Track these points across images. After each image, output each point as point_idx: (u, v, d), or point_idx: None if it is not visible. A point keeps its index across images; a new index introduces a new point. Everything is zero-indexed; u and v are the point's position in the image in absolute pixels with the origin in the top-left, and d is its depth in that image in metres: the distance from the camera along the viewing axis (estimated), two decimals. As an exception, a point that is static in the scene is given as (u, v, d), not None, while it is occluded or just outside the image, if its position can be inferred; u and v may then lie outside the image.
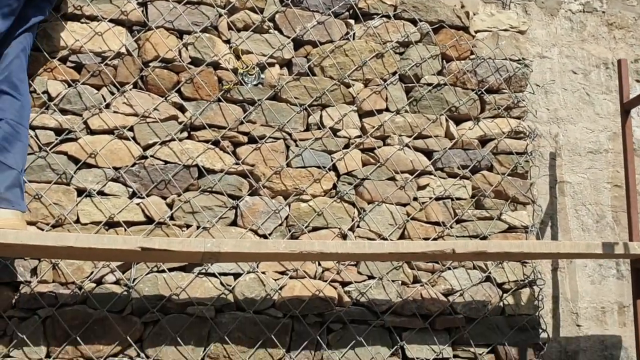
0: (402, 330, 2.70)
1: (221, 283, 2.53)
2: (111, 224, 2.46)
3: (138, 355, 2.41)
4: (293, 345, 2.57)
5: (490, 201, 2.90)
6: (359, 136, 2.80)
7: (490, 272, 2.83)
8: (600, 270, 3.18)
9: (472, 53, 3.00)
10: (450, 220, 2.83)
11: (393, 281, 2.72)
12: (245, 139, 2.67)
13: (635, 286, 2.81)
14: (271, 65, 2.74)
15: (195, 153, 2.58)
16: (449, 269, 2.80)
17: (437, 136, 2.89)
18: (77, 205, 2.43)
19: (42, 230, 2.36)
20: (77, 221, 2.43)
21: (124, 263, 2.46)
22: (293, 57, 2.77)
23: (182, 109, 2.62)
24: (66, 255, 2.25)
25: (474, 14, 3.06)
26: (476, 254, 2.44)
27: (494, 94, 2.98)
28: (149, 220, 2.50)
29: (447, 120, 2.92)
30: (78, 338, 2.34)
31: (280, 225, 2.65)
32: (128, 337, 2.39)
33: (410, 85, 2.89)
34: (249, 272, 2.57)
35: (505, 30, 3.08)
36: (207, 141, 2.61)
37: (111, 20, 2.57)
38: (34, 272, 2.38)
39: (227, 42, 2.71)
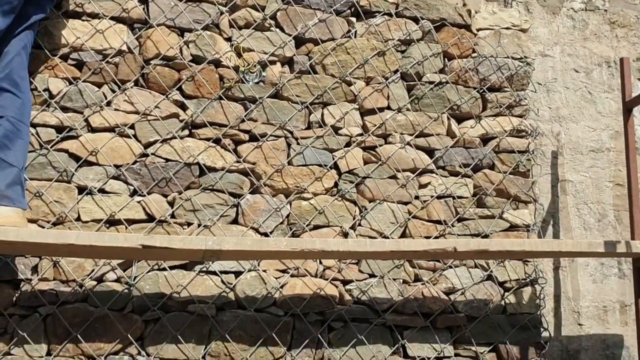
0: (403, 328, 2.70)
1: (222, 281, 2.53)
2: (112, 222, 2.46)
3: (139, 353, 2.41)
4: (294, 343, 2.57)
5: (491, 200, 2.89)
6: (361, 134, 2.80)
7: (491, 271, 2.82)
8: (602, 269, 3.17)
9: (474, 51, 2.99)
10: (451, 218, 2.82)
11: (394, 279, 2.71)
12: (246, 137, 2.66)
13: (637, 285, 2.80)
14: (272, 63, 2.73)
15: (197, 151, 2.58)
16: (451, 267, 2.79)
17: (439, 134, 2.88)
18: (78, 203, 2.43)
19: (43, 228, 2.36)
20: (78, 219, 2.43)
21: (125, 261, 2.46)
22: (294, 55, 2.76)
23: (183, 107, 2.61)
24: (67, 252, 2.25)
25: (476, 12, 3.06)
26: (478, 252, 2.43)
27: (495, 92, 2.98)
28: (150, 218, 2.50)
29: (448, 118, 2.91)
30: (79, 336, 2.34)
31: (282, 223, 2.65)
32: (129, 335, 2.39)
33: (411, 83, 2.88)
34: (250, 270, 2.56)
35: (507, 28, 3.07)
36: (208, 139, 2.60)
37: (112, 18, 2.57)
38: (34, 269, 2.37)
39: (229, 39, 2.70)
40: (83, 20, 2.55)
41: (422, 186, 2.83)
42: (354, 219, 2.72)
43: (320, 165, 2.71)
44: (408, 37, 2.90)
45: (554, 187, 3.17)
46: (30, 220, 2.35)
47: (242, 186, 2.62)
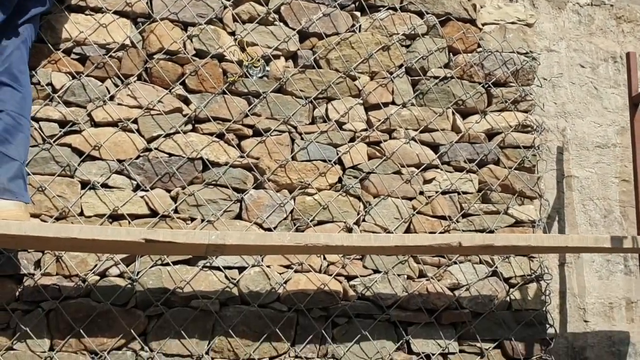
0: (407, 324, 2.68)
1: (226, 276, 2.52)
2: (115, 217, 2.45)
3: (142, 349, 2.40)
4: (298, 339, 2.55)
5: (496, 195, 2.87)
6: (365, 129, 2.78)
7: (496, 267, 2.81)
8: (608, 266, 3.15)
9: (479, 46, 2.97)
10: (456, 214, 2.81)
11: (399, 275, 2.70)
12: (250, 132, 2.65)
13: (643, 281, 2.78)
14: (276, 57, 2.72)
15: (200, 146, 2.56)
16: (455, 263, 2.78)
17: (444, 130, 2.86)
18: (81, 197, 2.42)
19: (46, 222, 2.35)
20: (81, 214, 2.42)
21: (128, 256, 2.44)
22: (298, 49, 2.75)
23: (187, 102, 2.60)
24: (69, 247, 2.24)
25: (481, 7, 3.03)
26: (483, 247, 2.41)
27: (501, 87, 2.95)
28: (153, 213, 2.49)
29: (453, 113, 2.89)
30: (82, 331, 2.33)
31: (285, 219, 2.63)
32: (132, 331, 2.38)
33: (416, 78, 2.86)
34: (253, 266, 2.55)
35: (513, 23, 3.05)
36: (211, 134, 2.59)
37: (115, 12, 2.56)
38: (37, 264, 2.36)
39: (232, 34, 2.69)
40: (86, 15, 2.53)
41: (426, 181, 2.81)
42: (358, 214, 2.71)
43: (324, 161, 2.70)
44: (413, 32, 2.88)
45: (559, 183, 3.15)
46: (33, 215, 2.34)
47: (245, 181, 2.61)
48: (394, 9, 2.87)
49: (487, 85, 2.93)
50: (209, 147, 2.57)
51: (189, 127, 2.59)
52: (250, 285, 2.53)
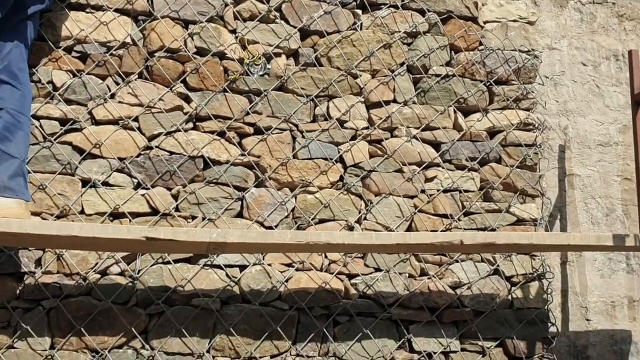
0: (409, 323, 2.67)
1: (227, 275, 2.51)
2: (116, 215, 2.45)
3: (143, 347, 2.39)
4: (299, 337, 2.55)
5: (498, 193, 2.86)
6: (366, 127, 2.77)
7: (498, 265, 2.80)
8: (610, 264, 3.14)
9: (480, 44, 2.96)
10: (458, 212, 2.80)
11: (400, 274, 2.69)
12: (251, 130, 2.64)
13: (645, 280, 2.77)
14: (277, 55, 2.71)
15: (201, 144, 2.56)
16: (457, 261, 2.77)
17: (445, 128, 2.85)
18: (81, 195, 2.42)
19: (47, 220, 2.34)
20: (82, 212, 2.41)
21: (129, 254, 2.44)
22: (300, 47, 2.74)
23: (188, 100, 2.60)
24: (70, 245, 2.23)
25: (483, 5, 3.02)
26: (485, 245, 2.41)
27: (502, 85, 2.95)
28: (154, 211, 2.48)
29: (455, 111, 2.89)
30: (82, 329, 2.33)
31: (287, 217, 2.63)
32: (133, 329, 2.38)
33: (418, 76, 2.86)
34: (254, 264, 2.55)
35: (514, 21, 3.04)
36: (212, 132, 2.59)
37: (116, 10, 2.55)
38: (38, 262, 2.36)
39: (233, 32, 2.68)
40: (87, 12, 2.53)
41: (428, 180, 2.81)
42: (359, 212, 2.70)
43: (325, 159, 2.69)
44: (414, 30, 2.87)
45: (561, 181, 3.15)
46: (34, 213, 2.33)
47: (246, 179, 2.60)
48: (396, 7, 2.86)
49: (488, 83, 2.93)
50: (210, 145, 2.57)
51: (190, 125, 2.59)
52: (252, 283, 2.53)
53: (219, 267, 2.51)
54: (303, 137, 2.69)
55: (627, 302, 3.12)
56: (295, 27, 2.73)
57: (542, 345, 2.81)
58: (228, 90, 2.62)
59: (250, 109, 2.63)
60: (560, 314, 3.01)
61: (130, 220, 2.43)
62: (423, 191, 2.79)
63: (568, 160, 3.17)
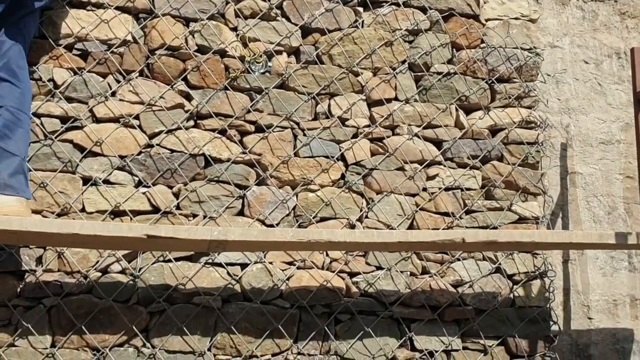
0: (410, 321, 2.67)
1: (228, 273, 2.51)
2: (117, 213, 2.44)
3: (144, 345, 2.39)
4: (300, 335, 2.54)
5: (500, 192, 2.85)
6: (368, 125, 2.76)
7: (500, 264, 2.79)
8: (612, 263, 3.13)
9: (482, 42, 2.95)
10: (459, 210, 2.79)
11: (402, 272, 2.68)
12: (252, 128, 2.64)
13: (648, 278, 2.77)
14: (279, 53, 2.71)
15: (202, 142, 2.55)
16: (458, 260, 2.76)
17: (447, 126, 2.85)
18: (82, 193, 2.41)
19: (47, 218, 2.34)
20: (83, 210, 2.41)
21: (130, 252, 2.44)
22: (301, 45, 2.73)
23: (189, 97, 2.59)
24: (71, 243, 2.23)
25: (485, 2, 3.01)
26: (486, 243, 2.40)
27: (504, 83, 2.94)
28: (155, 209, 2.48)
29: (457, 109, 2.88)
30: (83, 327, 2.32)
31: (288, 215, 2.62)
32: (134, 327, 2.37)
33: (419, 74, 2.85)
34: (256, 263, 2.54)
35: (516, 18, 3.03)
36: (213, 130, 2.58)
37: (117, 8, 2.55)
38: (39, 261, 2.36)
39: (234, 29, 2.68)
40: (88, 10, 2.52)
41: (429, 178, 2.80)
42: (360, 211, 2.70)
43: (327, 157, 2.68)
44: (416, 27, 2.86)
45: (563, 179, 3.14)
46: (35, 211, 2.33)
47: (248, 177, 2.60)
48: (397, 5, 2.85)
49: (490, 81, 2.92)
50: (211, 143, 2.56)
51: (191, 123, 2.58)
52: (253, 281, 2.52)
53: (220, 265, 2.51)
54: (304, 135, 2.68)
55: (630, 300, 3.11)
56: (296, 25, 2.73)
57: (544, 343, 2.80)
58: (229, 88, 2.62)
59: (251, 107, 2.63)
60: (562, 312, 3.01)
61: (131, 219, 2.42)
62: (425, 189, 2.78)
63: (570, 159, 3.16)
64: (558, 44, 3.27)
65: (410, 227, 2.74)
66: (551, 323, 2.83)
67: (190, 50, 2.59)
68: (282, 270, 2.57)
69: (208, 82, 2.60)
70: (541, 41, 3.15)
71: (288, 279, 2.56)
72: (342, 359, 2.57)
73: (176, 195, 2.52)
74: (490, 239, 2.37)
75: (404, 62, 2.84)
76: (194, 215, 2.51)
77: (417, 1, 2.88)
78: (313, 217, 2.62)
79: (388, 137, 2.77)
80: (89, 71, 2.49)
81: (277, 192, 2.61)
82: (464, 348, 2.71)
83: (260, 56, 2.67)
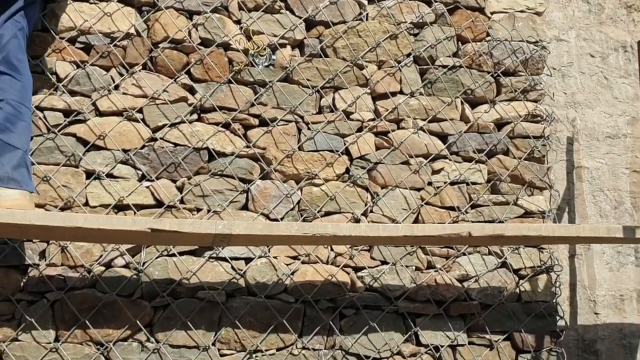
0: (415, 316, 2.65)
1: (232, 267, 2.49)
2: (120, 207, 2.43)
3: (148, 340, 2.38)
4: (305, 330, 2.53)
5: (506, 186, 2.83)
6: (373, 119, 2.74)
7: (506, 258, 2.77)
8: (619, 257, 3.11)
9: (488, 35, 2.93)
10: (465, 205, 2.77)
11: (407, 266, 2.67)
12: (256, 121, 2.62)
13: (655, 273, 2.74)
14: (282, 46, 2.69)
15: (206, 135, 2.54)
16: (464, 254, 2.74)
17: (452, 119, 2.82)
18: (86, 187, 2.40)
19: (51, 212, 2.33)
20: (86, 204, 2.40)
21: (134, 246, 2.42)
22: (305, 37, 2.71)
23: (192, 91, 2.57)
24: (74, 237, 2.22)
25: (490, -5, 2.99)
26: (493, 237, 2.38)
27: (510, 77, 2.91)
28: (159, 203, 2.46)
29: (462, 103, 2.85)
30: (87, 322, 2.31)
31: (292, 209, 2.60)
32: (138, 322, 2.36)
33: (424, 67, 2.83)
34: (260, 257, 2.52)
35: (522, 11, 3.00)
36: (217, 123, 2.56)
37: (120, 1, 2.54)
38: (42, 255, 2.35)
39: (238, 22, 2.66)
40: (91, 3, 2.51)
41: (435, 172, 2.78)
42: (365, 205, 2.68)
43: (331, 151, 2.66)
44: (421, 20, 2.84)
45: (569, 173, 3.12)
46: (38, 205, 2.31)
47: (252, 171, 2.58)
48: (402, -3, 2.83)
49: (496, 74, 2.89)
50: (214, 136, 2.55)
51: (195, 116, 2.56)
52: (257, 276, 2.51)
53: (224, 259, 2.49)
54: (309, 128, 2.66)
55: (636, 295, 3.09)
56: (300, 18, 2.71)
57: (550, 338, 2.78)
58: (233, 81, 2.60)
59: (255, 100, 2.61)
60: (569, 307, 2.99)
61: (134, 213, 2.41)
62: (430, 183, 2.76)
63: (576, 153, 3.14)
64: (564, 37, 3.24)
65: (416, 221, 2.71)
66: (557, 318, 2.81)
67: (193, 44, 2.57)
68: (287, 265, 2.56)
69: (212, 75, 2.58)
70: (547, 34, 3.12)
71: (292, 273, 2.54)
72: (347, 354, 2.56)
73: (180, 189, 2.50)
74: (496, 232, 2.35)
75: (409, 55, 2.82)
76: (198, 210, 2.50)
77: (422, -6, 2.86)
78: (317, 212, 2.60)
79: (393, 130, 2.75)
80: (92, 64, 2.47)
81: (282, 186, 2.59)
82: (470, 343, 2.69)
83: (264, 49, 2.65)
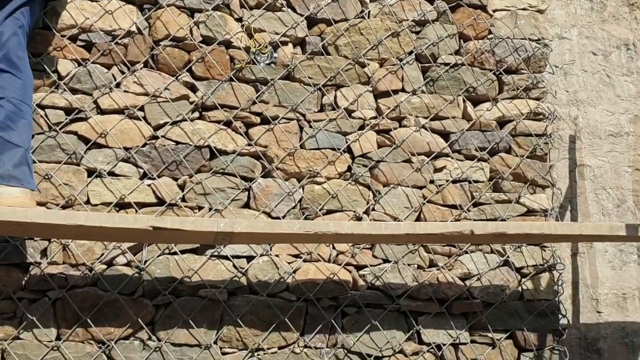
0: (418, 314, 2.64)
1: (234, 266, 2.49)
2: (122, 205, 2.42)
3: (149, 338, 2.37)
4: (307, 328, 2.52)
5: (508, 184, 2.82)
6: (374, 117, 2.74)
7: (508, 256, 2.76)
8: (621, 256, 3.10)
9: (490, 32, 2.92)
10: (467, 203, 2.76)
11: (409, 265, 2.66)
12: (257, 119, 2.61)
13: (658, 271, 2.74)
14: (284, 44, 2.68)
15: (207, 134, 2.53)
16: (466, 252, 2.74)
17: (454, 117, 2.82)
18: (87, 185, 2.39)
19: (52, 210, 2.33)
20: (88, 202, 2.39)
21: (135, 245, 2.42)
22: (307, 35, 2.71)
23: (194, 89, 2.57)
24: (76, 235, 2.21)
25: (492, -7, 2.98)
26: (495, 235, 2.37)
27: (512, 75, 2.90)
28: (160, 201, 2.46)
29: (464, 101, 2.85)
30: (88, 320, 2.31)
31: (294, 207, 2.60)
32: (139, 320, 2.35)
33: (426, 65, 2.82)
34: (262, 255, 2.52)
35: (524, 9, 2.99)
36: (219, 121, 2.56)
37: (121, -2, 2.53)
38: (44, 253, 2.34)
39: (239, 20, 2.65)
40: (92, 1, 2.51)
41: (437, 170, 2.77)
42: (367, 203, 2.67)
43: (333, 149, 2.66)
44: (423, 18, 2.83)
45: (571, 172, 3.11)
46: (39, 203, 2.31)
47: (253, 170, 2.58)
48: (404, -5, 2.83)
49: (498, 72, 2.89)
50: (216, 135, 2.54)
51: (196, 114, 2.56)
52: (259, 274, 2.50)
53: (226, 257, 2.48)
54: (310, 126, 2.66)
55: (639, 293, 3.08)
56: (302, 15, 2.70)
57: (553, 337, 2.77)
58: (234, 79, 2.59)
59: (256, 98, 2.60)
60: (571, 305, 2.98)
61: (136, 211, 2.40)
62: (432, 181, 2.76)
63: (578, 151, 3.13)
64: (566, 35, 3.24)
65: (418, 219, 2.71)
66: (560, 316, 2.81)
67: (195, 41, 2.56)
68: (289, 263, 2.55)
69: (213, 73, 2.58)
70: (549, 32, 3.11)
71: (294, 271, 2.54)
72: (349, 352, 2.55)
73: (181, 187, 2.50)
74: (499, 230, 2.34)
75: (410, 53, 2.81)
76: (200, 208, 2.49)
77: (424, -9, 2.86)
78: (319, 210, 2.59)
79: (395, 128, 2.75)
80: (93, 62, 2.47)
81: (283, 185, 2.59)
82: (472, 341, 2.69)
83: (266, 47, 2.64)
